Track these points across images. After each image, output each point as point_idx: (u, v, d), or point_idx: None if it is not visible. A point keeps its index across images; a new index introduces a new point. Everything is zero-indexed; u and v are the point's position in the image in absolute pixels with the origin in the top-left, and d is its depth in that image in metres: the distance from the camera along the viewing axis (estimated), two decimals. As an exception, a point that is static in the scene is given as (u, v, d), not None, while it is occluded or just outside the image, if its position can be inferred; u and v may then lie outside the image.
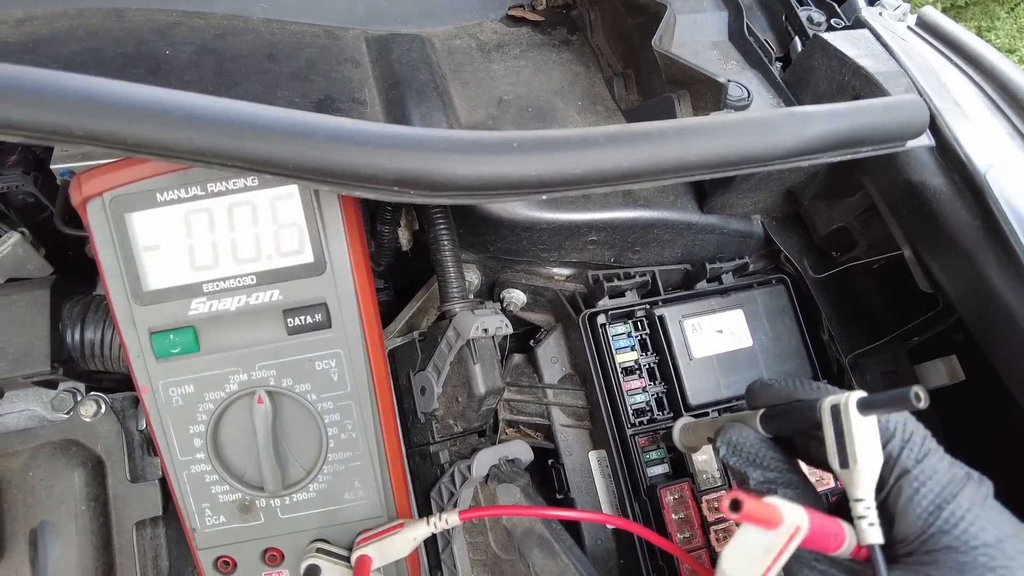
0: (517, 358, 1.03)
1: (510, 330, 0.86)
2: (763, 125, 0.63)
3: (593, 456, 0.94)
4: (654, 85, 0.81)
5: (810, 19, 0.98)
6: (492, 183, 0.56)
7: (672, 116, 0.76)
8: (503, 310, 1.00)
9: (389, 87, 0.79)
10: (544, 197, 0.60)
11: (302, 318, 0.67)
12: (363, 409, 0.70)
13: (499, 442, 1.00)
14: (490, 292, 1.03)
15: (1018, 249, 0.68)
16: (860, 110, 0.68)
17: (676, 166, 0.60)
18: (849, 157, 0.70)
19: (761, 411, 0.59)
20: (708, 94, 0.73)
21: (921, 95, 0.78)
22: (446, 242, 0.86)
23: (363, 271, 0.68)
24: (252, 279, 0.66)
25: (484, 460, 0.82)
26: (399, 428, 0.79)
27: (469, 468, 0.81)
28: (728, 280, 0.99)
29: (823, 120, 0.65)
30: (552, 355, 0.98)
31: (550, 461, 0.97)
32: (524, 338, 1.07)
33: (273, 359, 0.68)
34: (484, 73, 0.88)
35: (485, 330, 0.83)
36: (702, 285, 0.98)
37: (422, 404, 0.89)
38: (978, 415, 1.01)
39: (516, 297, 0.99)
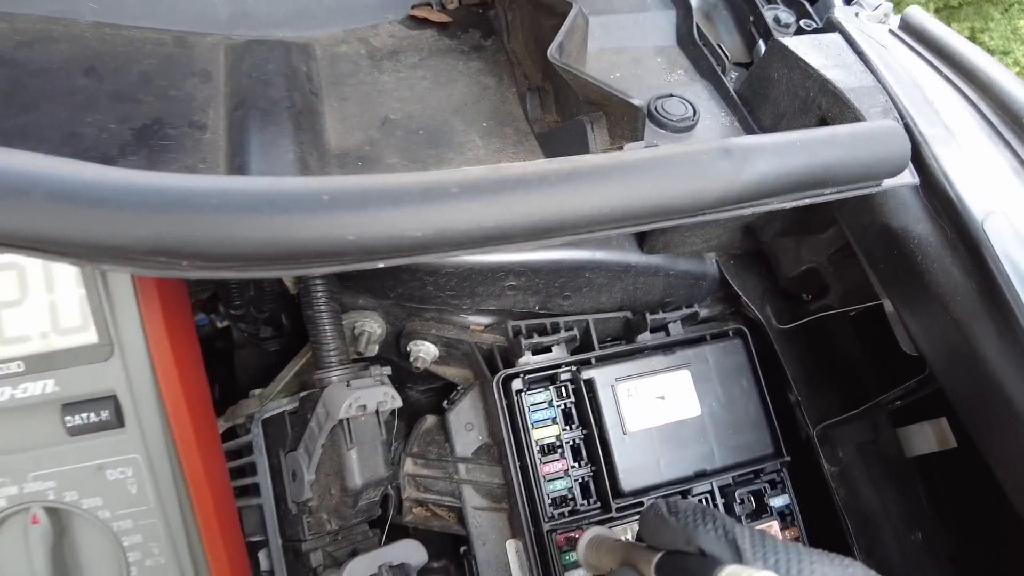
0: (429, 421, 0.87)
1: (398, 403, 0.71)
2: (686, 166, 0.47)
3: (511, 546, 0.79)
4: (571, 103, 0.65)
5: (777, 20, 0.81)
6: (291, 251, 0.40)
7: (583, 144, 0.60)
8: (411, 365, 0.84)
9: (234, 107, 0.63)
10: (381, 264, 0.44)
11: (85, 415, 0.51)
12: (173, 528, 0.54)
13: (409, 524, 0.85)
14: (397, 344, 0.87)
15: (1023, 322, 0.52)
16: (821, 142, 0.52)
17: (560, 224, 0.44)
18: (808, 202, 0.54)
19: (657, 557, 0.44)
20: (625, 118, 0.57)
21: (902, 118, 0.62)
22: (320, 294, 0.71)
23: (168, 352, 0.53)
24: (19, 365, 0.51)
25: (357, 572, 0.66)
26: (241, 538, 0.64)
27: (339, 580, 0.66)
28: (676, 331, 0.83)
29: (769, 157, 0.49)
30: (467, 420, 0.83)
31: (462, 549, 0.82)
32: (443, 393, 0.91)
33: (51, 467, 0.52)
34: (370, 86, 0.72)
35: (363, 407, 0.67)
36: (644, 337, 0.82)
37: (292, 492, 0.73)
38: (973, 486, 0.86)
39: (425, 351, 0.83)
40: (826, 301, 0.79)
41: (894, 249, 0.61)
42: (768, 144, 0.49)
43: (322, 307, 0.70)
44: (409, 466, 0.83)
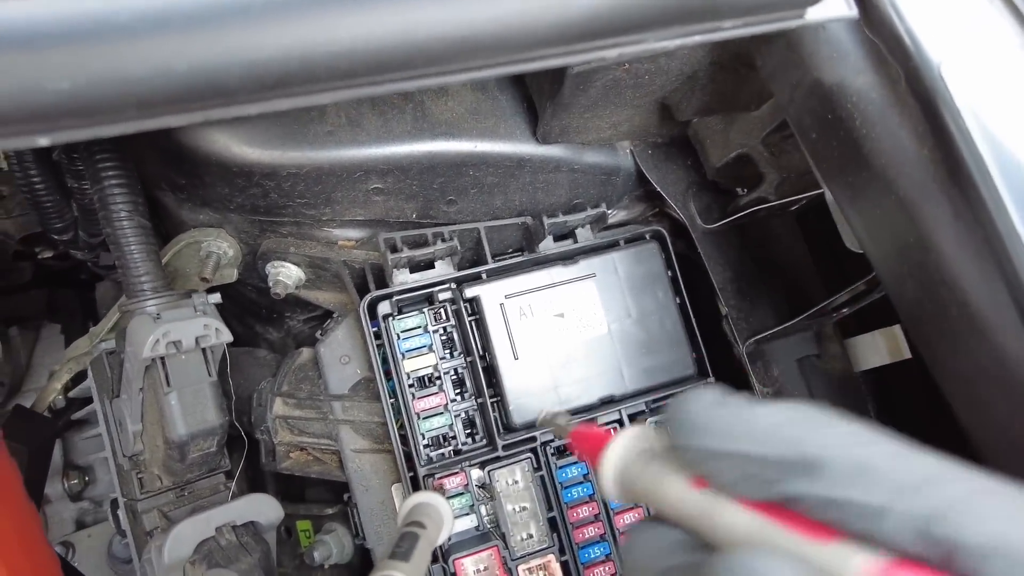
0: (304, 354, 0.75)
1: (226, 337, 0.58)
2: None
3: (397, 491, 0.68)
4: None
5: None
6: None
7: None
8: (271, 292, 0.71)
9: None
10: None
11: None
12: None
13: (286, 471, 0.74)
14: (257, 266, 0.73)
15: (990, 201, 0.39)
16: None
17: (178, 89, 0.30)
18: (698, 39, 0.39)
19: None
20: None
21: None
22: (120, 206, 0.56)
23: None
24: None
25: (183, 537, 0.55)
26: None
27: (162, 548, 0.55)
28: (585, 237, 0.69)
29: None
30: (343, 352, 0.70)
31: (346, 496, 0.71)
32: (324, 320, 0.79)
33: None
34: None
35: (176, 343, 0.54)
36: (547, 246, 0.69)
37: (123, 444, 0.61)
38: (933, 397, 0.75)
39: (285, 273, 0.70)
40: (759, 193, 0.66)
41: (828, 112, 0.47)
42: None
43: (124, 222, 0.56)
44: (279, 407, 0.71)
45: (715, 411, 0.26)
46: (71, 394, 0.76)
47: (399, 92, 0.45)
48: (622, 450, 0.30)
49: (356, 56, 0.31)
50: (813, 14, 0.42)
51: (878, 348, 0.74)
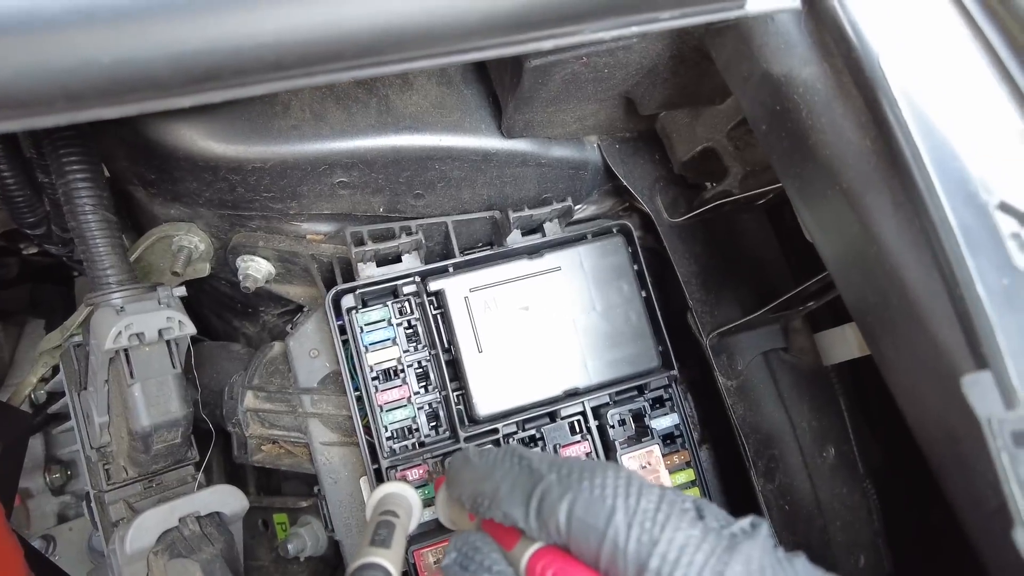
0: (276, 348, 0.75)
1: (189, 329, 0.58)
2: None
3: (365, 484, 0.69)
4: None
5: None
6: None
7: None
8: (242, 286, 0.71)
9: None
10: None
11: None
12: None
13: (257, 464, 0.75)
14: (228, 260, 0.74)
15: (924, 190, 0.39)
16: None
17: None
18: (637, 30, 0.40)
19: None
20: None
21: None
22: (86, 199, 0.57)
23: None
24: None
25: (146, 527, 0.56)
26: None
27: (125, 538, 0.56)
28: (553, 231, 0.70)
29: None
30: (311, 346, 0.71)
31: (315, 489, 0.72)
32: (297, 315, 0.79)
33: None
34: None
35: (139, 335, 0.55)
36: (515, 239, 0.69)
37: (90, 436, 0.62)
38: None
39: (255, 267, 0.70)
40: (724, 187, 0.66)
41: (776, 103, 0.47)
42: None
43: (88, 215, 0.57)
44: (250, 400, 0.72)
45: (458, 467, 0.41)
46: (47, 388, 0.77)
47: (331, 83, 0.45)
48: (443, 493, 0.50)
49: (283, 48, 0.32)
50: (754, 5, 0.42)
51: (847, 341, 0.74)
